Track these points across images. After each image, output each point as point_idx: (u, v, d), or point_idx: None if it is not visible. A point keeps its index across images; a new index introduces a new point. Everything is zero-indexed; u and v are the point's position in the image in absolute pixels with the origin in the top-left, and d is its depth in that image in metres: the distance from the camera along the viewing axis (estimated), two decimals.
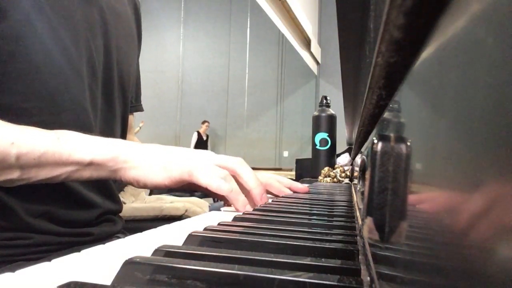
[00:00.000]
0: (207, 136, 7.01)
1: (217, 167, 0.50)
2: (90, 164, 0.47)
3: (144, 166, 0.49)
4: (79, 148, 0.46)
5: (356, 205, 0.47)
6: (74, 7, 0.55)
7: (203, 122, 6.98)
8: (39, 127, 0.44)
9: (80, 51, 0.55)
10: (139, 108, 0.80)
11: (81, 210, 0.56)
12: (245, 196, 0.51)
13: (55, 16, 0.51)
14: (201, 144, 6.81)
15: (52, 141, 0.44)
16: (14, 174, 0.42)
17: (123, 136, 0.71)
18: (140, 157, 0.49)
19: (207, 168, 0.48)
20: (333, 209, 0.46)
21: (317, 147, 1.29)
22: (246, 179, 0.51)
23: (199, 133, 6.89)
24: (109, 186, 0.63)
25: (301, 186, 0.70)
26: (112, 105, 0.64)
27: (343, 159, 1.67)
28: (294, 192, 0.68)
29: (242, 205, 0.49)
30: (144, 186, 0.50)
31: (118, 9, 0.64)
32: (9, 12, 0.47)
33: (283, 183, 0.68)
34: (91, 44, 0.57)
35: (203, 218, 0.43)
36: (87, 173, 0.47)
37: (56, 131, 0.46)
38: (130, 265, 0.19)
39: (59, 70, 0.52)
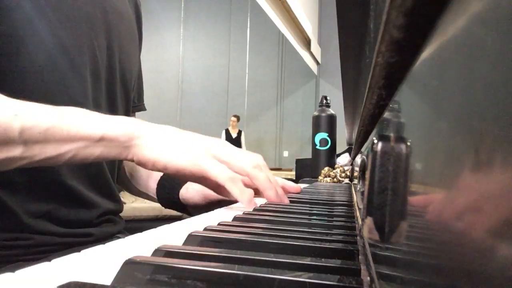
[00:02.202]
0: (239, 133, 6.33)
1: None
2: (101, 140, 0.43)
3: (164, 146, 0.45)
4: (89, 122, 0.42)
5: (356, 205, 0.47)
6: (78, 7, 0.55)
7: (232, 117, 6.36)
8: None
9: (82, 51, 0.55)
10: (141, 108, 0.80)
11: (82, 211, 0.56)
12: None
13: (57, 16, 0.51)
14: (231, 143, 6.26)
15: (59, 115, 0.41)
16: (16, 151, 0.38)
17: None
18: (158, 136, 0.45)
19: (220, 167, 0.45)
20: (333, 209, 0.46)
21: (317, 147, 1.29)
22: (236, 194, 0.45)
23: (227, 131, 6.32)
24: (109, 186, 0.63)
25: (294, 186, 0.66)
26: (115, 104, 0.64)
27: (343, 159, 1.67)
28: (287, 192, 0.64)
29: (247, 200, 0.45)
30: (163, 169, 0.46)
31: (120, 9, 0.65)
32: (8, 11, 0.47)
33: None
34: (94, 44, 0.57)
35: (203, 218, 0.43)
36: (97, 150, 0.43)
37: (61, 107, 0.42)
38: (130, 265, 0.19)
39: (59, 70, 0.52)
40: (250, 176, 0.47)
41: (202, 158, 0.45)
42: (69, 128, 0.41)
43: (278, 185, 0.50)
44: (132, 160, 0.46)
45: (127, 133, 0.44)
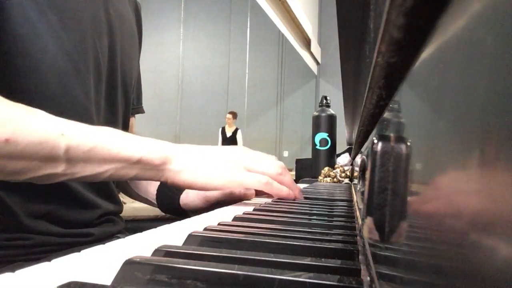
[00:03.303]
0: (235, 131, 6.00)
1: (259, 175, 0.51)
2: (138, 162, 0.45)
3: (197, 169, 0.48)
4: (128, 144, 0.44)
5: (356, 205, 0.47)
6: (82, 8, 0.55)
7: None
8: None
9: (86, 53, 0.55)
10: (140, 110, 0.80)
11: (82, 211, 0.56)
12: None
13: (60, 18, 0.51)
14: (227, 141, 5.85)
15: (100, 135, 0.43)
16: (59, 168, 0.40)
17: None
18: (190, 159, 0.49)
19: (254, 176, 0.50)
20: (333, 209, 0.46)
21: (317, 147, 1.29)
22: (276, 192, 0.52)
23: (223, 129, 6.05)
24: (109, 187, 0.63)
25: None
26: (115, 106, 0.64)
27: (343, 159, 1.67)
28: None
29: (286, 193, 0.52)
30: (201, 190, 0.50)
31: (121, 11, 0.64)
32: (12, 14, 0.47)
33: None
34: (97, 46, 0.57)
35: (203, 218, 0.43)
36: (133, 172, 0.45)
37: (100, 127, 0.44)
38: (130, 265, 0.19)
39: (60, 71, 0.52)
40: (277, 180, 0.52)
41: (235, 174, 0.50)
42: (110, 149, 0.43)
43: (295, 185, 0.56)
44: (166, 182, 0.49)
45: (162, 156, 0.47)
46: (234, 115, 6.04)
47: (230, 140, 5.89)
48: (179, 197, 0.66)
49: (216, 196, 0.62)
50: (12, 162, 0.37)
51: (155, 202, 0.71)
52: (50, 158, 0.39)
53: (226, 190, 0.59)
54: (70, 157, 0.40)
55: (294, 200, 0.53)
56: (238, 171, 0.50)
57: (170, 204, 0.68)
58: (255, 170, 0.51)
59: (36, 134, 0.38)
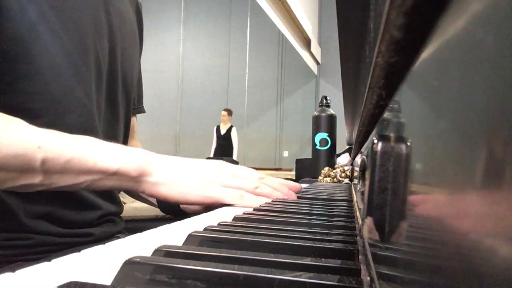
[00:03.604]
0: (229, 129, 5.81)
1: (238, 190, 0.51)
2: (115, 174, 0.45)
3: (173, 184, 0.49)
4: (105, 156, 0.45)
5: (356, 205, 0.47)
6: (83, 10, 0.55)
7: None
8: (45, 127, 0.44)
9: (86, 53, 0.55)
10: (141, 110, 0.80)
11: (82, 211, 0.56)
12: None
13: (60, 19, 0.51)
14: (220, 139, 5.76)
15: (78, 146, 0.43)
16: (36, 179, 0.41)
17: (126, 138, 0.71)
18: (167, 173, 0.49)
19: (232, 191, 0.51)
20: (333, 209, 0.46)
21: (317, 147, 1.29)
22: (250, 205, 0.51)
23: (217, 128, 5.90)
24: None
25: (295, 185, 0.68)
26: (116, 107, 0.64)
27: (343, 159, 1.67)
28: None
29: (252, 203, 0.50)
30: (175, 202, 0.51)
31: (122, 11, 0.64)
32: (12, 16, 0.47)
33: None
34: (97, 46, 0.57)
35: (203, 218, 0.43)
36: (110, 183, 0.46)
37: (79, 136, 0.45)
38: (130, 265, 0.19)
39: (61, 72, 0.52)
40: (255, 194, 0.52)
41: (210, 189, 0.50)
42: (87, 161, 0.43)
43: (283, 186, 0.55)
44: (143, 193, 0.49)
45: (139, 168, 0.47)
46: (229, 112, 5.89)
47: (224, 138, 5.81)
48: None
49: (197, 209, 0.63)
50: None
51: (155, 203, 0.72)
52: (27, 170, 0.40)
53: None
54: (46, 169, 0.41)
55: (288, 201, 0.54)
56: (213, 187, 0.50)
57: (170, 206, 0.68)
58: (231, 185, 0.51)
59: (14, 147, 0.39)
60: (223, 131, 5.88)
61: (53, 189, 0.43)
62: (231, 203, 0.50)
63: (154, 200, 0.71)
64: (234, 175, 0.53)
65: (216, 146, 5.86)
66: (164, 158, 0.51)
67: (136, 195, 0.75)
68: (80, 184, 0.44)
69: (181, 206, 0.66)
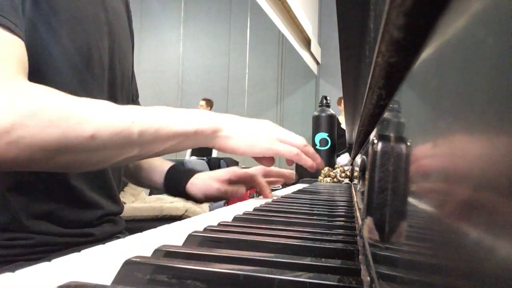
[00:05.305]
0: None
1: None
2: (194, 134, 0.50)
3: (241, 137, 0.55)
4: (184, 120, 0.50)
5: (356, 205, 0.47)
6: (86, 9, 0.55)
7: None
8: None
9: (89, 53, 0.55)
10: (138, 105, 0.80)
11: (83, 211, 0.56)
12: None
13: (61, 22, 0.51)
14: None
15: (161, 116, 0.48)
16: (135, 151, 0.45)
17: None
18: (235, 128, 0.55)
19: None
20: (333, 209, 0.46)
21: (317, 147, 1.28)
22: (303, 162, 0.61)
23: None
24: (111, 188, 0.63)
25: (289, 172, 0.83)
26: (116, 103, 0.64)
27: (343, 159, 1.67)
28: (283, 177, 0.84)
29: (316, 165, 0.63)
30: (241, 154, 0.57)
31: (116, 8, 0.65)
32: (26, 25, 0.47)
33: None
34: (99, 46, 0.57)
35: (203, 218, 0.43)
36: (190, 143, 0.51)
37: (156, 107, 0.49)
38: (130, 265, 0.19)
39: (62, 74, 0.52)
40: (303, 151, 0.61)
41: (272, 143, 0.58)
42: (171, 126, 0.48)
43: (315, 154, 0.66)
44: (213, 147, 0.55)
45: (213, 127, 0.53)
46: (208, 102, 5.02)
47: None
48: (185, 185, 0.73)
49: (213, 194, 0.71)
50: (97, 153, 0.43)
51: (156, 188, 0.78)
52: (127, 144, 0.44)
53: (235, 177, 0.71)
54: (142, 141, 0.45)
55: (316, 169, 0.64)
56: (274, 141, 0.58)
57: (177, 189, 0.76)
58: (286, 141, 0.60)
59: (114, 126, 0.43)
60: None
61: (145, 158, 0.49)
62: (288, 157, 0.59)
63: (156, 185, 0.77)
64: (288, 133, 0.61)
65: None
66: (230, 116, 0.57)
67: (139, 181, 0.79)
68: (167, 149, 0.49)
69: (187, 190, 0.73)
